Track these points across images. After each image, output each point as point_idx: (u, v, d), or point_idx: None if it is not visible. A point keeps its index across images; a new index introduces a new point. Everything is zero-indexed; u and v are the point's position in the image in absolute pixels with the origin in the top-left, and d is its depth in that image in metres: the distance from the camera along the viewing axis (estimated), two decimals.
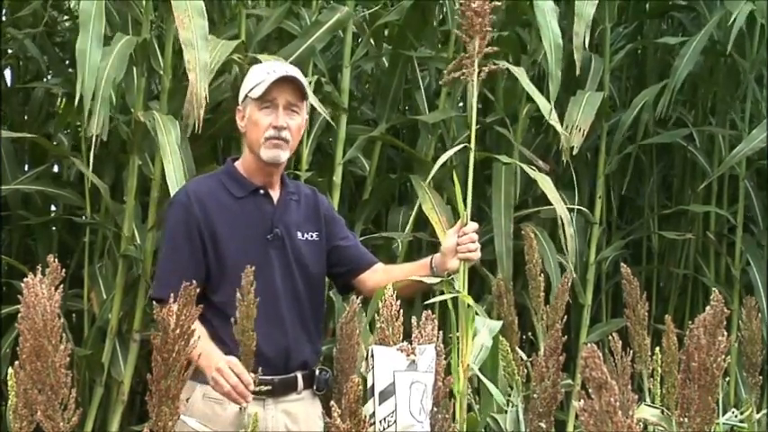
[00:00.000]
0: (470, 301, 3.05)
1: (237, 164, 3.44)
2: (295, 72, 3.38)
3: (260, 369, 3.01)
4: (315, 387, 3.39)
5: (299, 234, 3.40)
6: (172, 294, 2.28)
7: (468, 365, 3.01)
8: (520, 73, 4.03)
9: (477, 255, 3.23)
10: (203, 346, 2.75)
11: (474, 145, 3.17)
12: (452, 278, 3.18)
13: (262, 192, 3.37)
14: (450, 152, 3.34)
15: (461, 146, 3.24)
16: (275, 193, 3.40)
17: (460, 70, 3.11)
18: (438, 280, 3.23)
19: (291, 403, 3.33)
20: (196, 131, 3.95)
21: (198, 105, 3.88)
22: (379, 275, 3.49)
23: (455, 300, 3.11)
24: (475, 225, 3.24)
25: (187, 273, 2.93)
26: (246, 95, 3.35)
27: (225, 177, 3.42)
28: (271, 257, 3.30)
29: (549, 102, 4.50)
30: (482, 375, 3.13)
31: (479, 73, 3.09)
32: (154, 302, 3.38)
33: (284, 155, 3.36)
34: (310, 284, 3.41)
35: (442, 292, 3.18)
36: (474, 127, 3.21)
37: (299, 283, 3.35)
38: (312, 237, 3.43)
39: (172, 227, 3.37)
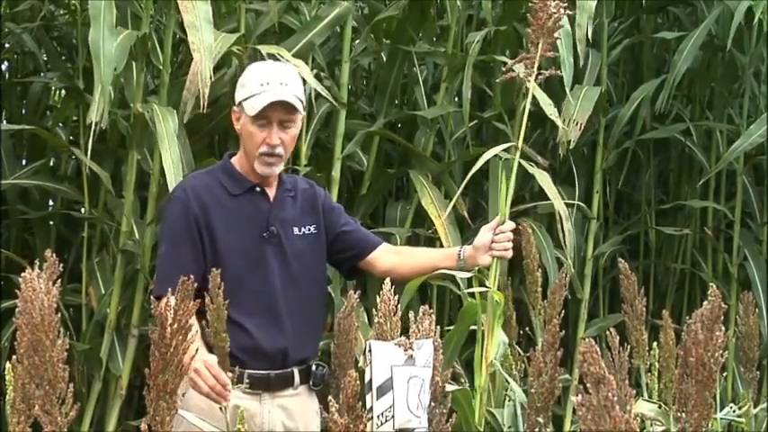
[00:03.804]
0: (500, 297, 3.06)
1: (234, 160, 3.43)
2: (290, 84, 3.31)
3: (238, 365, 3.02)
4: (311, 382, 3.39)
5: (296, 229, 3.39)
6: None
7: (491, 361, 3.02)
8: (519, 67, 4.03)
9: (510, 253, 3.25)
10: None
11: (521, 143, 3.17)
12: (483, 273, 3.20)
13: (258, 189, 3.37)
14: (496, 150, 3.28)
15: (509, 144, 3.23)
16: (271, 191, 3.40)
17: (518, 70, 3.11)
18: (468, 274, 3.24)
19: (288, 398, 3.33)
20: (201, 110, 3.96)
21: (204, 84, 3.89)
22: (395, 257, 3.52)
23: (483, 294, 3.12)
24: (512, 224, 3.26)
25: (188, 269, 2.93)
26: (241, 102, 3.32)
27: (222, 174, 3.41)
28: (267, 255, 3.30)
29: (565, 93, 4.53)
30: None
31: (538, 75, 3.09)
32: (153, 299, 3.38)
33: (278, 168, 3.36)
34: (310, 279, 3.42)
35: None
36: (523, 126, 3.19)
37: (298, 279, 3.35)
38: (310, 230, 3.43)
39: (171, 224, 3.36)
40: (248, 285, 3.00)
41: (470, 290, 3.19)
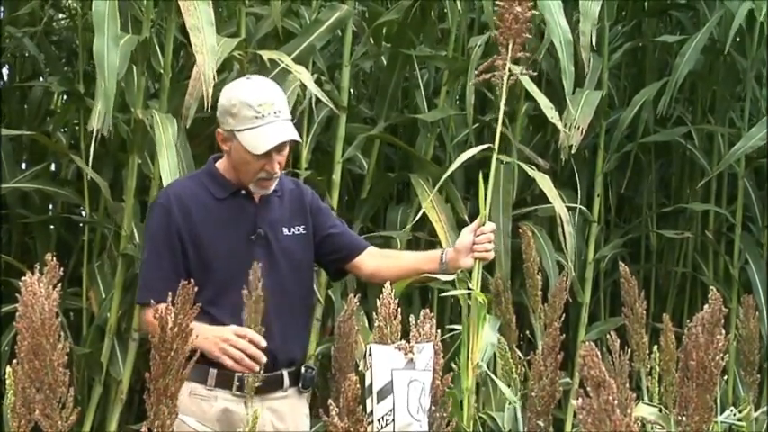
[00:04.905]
0: (483, 298, 3.07)
1: (219, 164, 3.43)
2: (282, 109, 3.31)
3: (228, 367, 3.05)
4: (300, 385, 3.40)
5: (285, 230, 3.41)
6: (168, 296, 2.29)
7: (477, 363, 3.03)
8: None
9: (492, 254, 3.26)
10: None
11: (497, 145, 3.18)
12: (465, 275, 3.21)
13: (243, 192, 3.37)
14: (472, 152, 3.31)
15: (485, 146, 3.26)
16: (257, 194, 3.40)
17: (491, 72, 3.13)
18: (451, 277, 3.26)
19: (277, 401, 3.35)
20: (206, 111, 3.97)
21: (208, 85, 3.90)
22: (380, 260, 3.53)
23: (466, 297, 3.13)
24: (493, 225, 3.28)
25: (169, 277, 2.98)
26: (233, 131, 3.30)
27: (206, 178, 3.42)
28: (256, 257, 3.30)
29: (565, 98, 4.53)
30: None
31: (509, 77, 3.11)
32: (138, 306, 3.43)
33: (273, 187, 3.38)
34: (300, 279, 3.44)
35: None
36: (499, 128, 3.23)
37: (287, 281, 3.36)
38: (299, 230, 3.44)
39: (153, 231, 3.39)
40: (236, 288, 3.02)
41: (454, 292, 3.21)
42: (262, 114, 3.25)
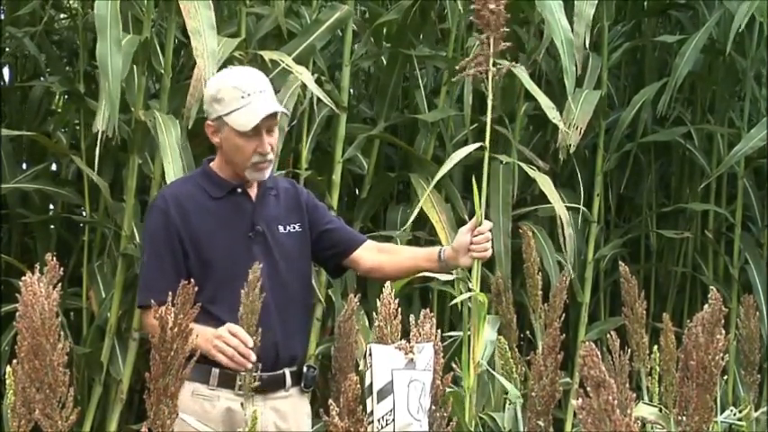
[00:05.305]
0: (484, 298, 3.07)
1: (213, 165, 3.44)
2: (266, 89, 3.35)
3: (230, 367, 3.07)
4: (303, 384, 3.41)
5: (281, 228, 3.41)
6: (167, 297, 2.29)
7: (478, 362, 3.04)
8: (520, 71, 4.04)
9: (489, 253, 3.27)
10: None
11: (489, 144, 3.19)
12: (466, 275, 3.22)
13: (239, 190, 3.38)
14: (465, 151, 3.32)
15: (477, 145, 3.26)
16: (253, 191, 3.41)
17: (474, 68, 3.14)
18: (451, 277, 3.26)
19: (280, 400, 3.36)
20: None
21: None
22: (379, 255, 3.54)
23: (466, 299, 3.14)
24: (489, 224, 3.27)
25: (170, 278, 2.98)
26: (221, 117, 3.32)
27: (202, 179, 3.43)
28: (254, 254, 3.30)
29: (567, 96, 4.53)
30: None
31: (493, 72, 3.12)
32: (139, 309, 3.43)
33: (268, 172, 3.39)
34: (298, 277, 3.44)
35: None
36: (489, 125, 3.25)
37: (285, 278, 3.37)
38: (295, 228, 3.44)
39: (152, 233, 3.40)
40: (236, 286, 3.02)
41: (459, 298, 3.22)
42: (247, 93, 3.28)
